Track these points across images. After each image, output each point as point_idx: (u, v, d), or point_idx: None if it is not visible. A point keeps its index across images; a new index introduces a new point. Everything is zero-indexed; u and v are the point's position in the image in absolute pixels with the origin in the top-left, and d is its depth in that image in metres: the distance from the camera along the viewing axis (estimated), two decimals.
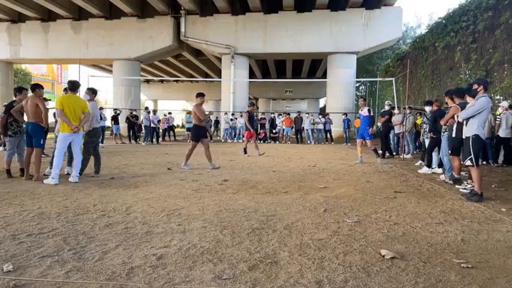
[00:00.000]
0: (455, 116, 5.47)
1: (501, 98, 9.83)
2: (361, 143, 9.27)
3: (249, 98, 23.82)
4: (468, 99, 5.29)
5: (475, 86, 5.01)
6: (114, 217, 3.63)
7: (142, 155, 10.58)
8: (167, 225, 3.36)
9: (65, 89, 6.34)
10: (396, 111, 11.59)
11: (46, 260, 2.48)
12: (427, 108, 8.02)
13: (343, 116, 17.54)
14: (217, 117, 25.01)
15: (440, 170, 7.37)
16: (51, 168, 5.89)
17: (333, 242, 2.95)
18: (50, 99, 11.15)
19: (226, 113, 19.59)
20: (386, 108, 10.76)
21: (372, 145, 9.12)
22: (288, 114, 19.98)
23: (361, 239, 3.06)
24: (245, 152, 10.65)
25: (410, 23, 42.93)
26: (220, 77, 22.55)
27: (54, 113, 10.80)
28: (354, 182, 6.05)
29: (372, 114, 9.07)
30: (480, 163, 5.13)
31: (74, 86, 5.91)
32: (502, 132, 8.64)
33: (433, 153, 7.63)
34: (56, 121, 10.27)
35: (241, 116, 19.40)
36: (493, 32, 9.80)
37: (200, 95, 7.54)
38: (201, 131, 7.66)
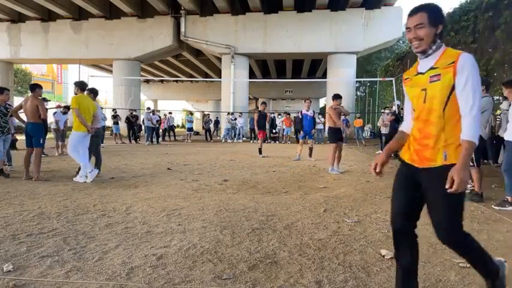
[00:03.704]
0: None
1: (500, 98, 9.83)
2: (304, 142, 9.54)
3: (249, 98, 23.83)
4: None
5: None
6: (114, 217, 3.63)
7: (142, 155, 10.58)
8: (167, 225, 3.36)
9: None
10: (387, 110, 11.59)
11: (46, 260, 2.48)
12: None
13: (342, 116, 17.52)
14: (217, 117, 25.01)
15: None
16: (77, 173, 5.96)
17: (333, 242, 2.95)
18: (49, 100, 11.15)
19: (228, 113, 19.56)
20: (394, 108, 10.76)
21: (311, 144, 9.66)
22: (288, 114, 19.98)
23: (361, 239, 3.06)
24: (260, 153, 10.43)
25: None
26: (220, 77, 22.55)
27: (54, 113, 10.86)
28: (354, 182, 6.04)
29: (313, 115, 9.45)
30: (481, 163, 5.12)
31: (84, 86, 5.99)
32: (502, 132, 8.64)
33: None
34: (56, 121, 10.37)
35: (240, 116, 19.41)
36: (493, 32, 9.80)
37: (337, 97, 7.58)
38: (337, 134, 7.50)
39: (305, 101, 9.26)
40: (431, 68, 1.76)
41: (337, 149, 7.40)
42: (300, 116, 9.27)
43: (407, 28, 1.78)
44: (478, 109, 1.65)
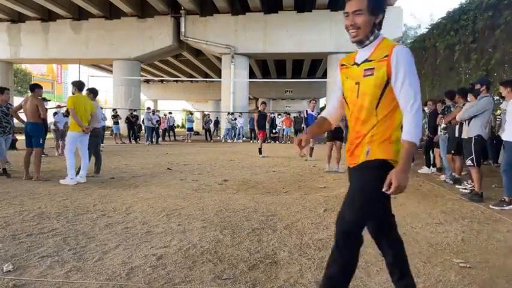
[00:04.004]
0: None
1: (500, 98, 9.82)
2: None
3: (249, 98, 23.81)
4: (470, 98, 5.29)
5: (478, 86, 5.01)
6: (114, 217, 3.63)
7: (142, 155, 10.58)
8: (167, 225, 3.36)
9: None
10: None
11: (46, 260, 2.48)
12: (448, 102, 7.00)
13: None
14: (217, 117, 25.00)
15: (426, 169, 7.44)
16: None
17: (333, 242, 2.95)
18: (49, 100, 11.15)
19: (228, 113, 19.57)
20: None
21: (313, 144, 9.77)
22: (288, 114, 19.97)
23: None
24: (260, 153, 10.42)
25: (409, 23, 42.95)
26: (220, 77, 22.53)
27: (54, 113, 10.86)
28: None
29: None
30: (481, 163, 5.13)
31: (81, 86, 5.95)
32: (502, 132, 8.63)
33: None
34: (55, 122, 10.36)
35: (240, 116, 19.41)
36: (493, 31, 9.79)
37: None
38: (332, 133, 7.50)
39: (310, 101, 9.15)
40: (366, 60, 1.63)
41: (336, 148, 7.41)
42: (305, 116, 9.24)
43: (345, 13, 1.65)
44: (419, 106, 1.53)
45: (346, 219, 1.60)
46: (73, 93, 5.93)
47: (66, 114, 10.51)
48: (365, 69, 1.62)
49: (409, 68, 1.54)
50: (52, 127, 10.32)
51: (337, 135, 7.58)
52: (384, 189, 1.50)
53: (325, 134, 8.21)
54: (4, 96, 6.25)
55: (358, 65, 1.67)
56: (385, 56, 1.56)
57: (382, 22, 1.64)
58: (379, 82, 1.57)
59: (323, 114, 1.94)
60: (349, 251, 1.63)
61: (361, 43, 1.64)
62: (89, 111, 5.88)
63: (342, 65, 1.78)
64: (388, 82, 1.56)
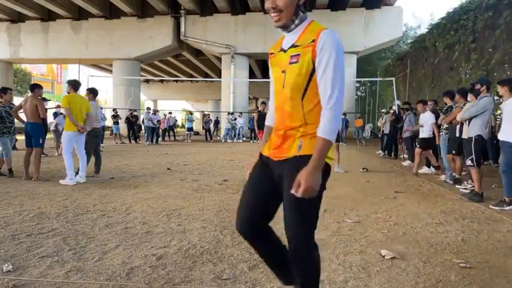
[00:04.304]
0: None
1: (499, 98, 9.82)
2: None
3: (249, 98, 23.81)
4: (470, 98, 5.29)
5: (478, 86, 5.01)
6: (114, 217, 3.63)
7: (142, 155, 10.58)
8: (167, 225, 3.35)
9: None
10: (391, 111, 11.57)
11: (46, 260, 2.48)
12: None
13: (342, 116, 17.54)
14: (217, 117, 25.00)
15: (426, 169, 7.45)
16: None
17: (333, 242, 2.95)
18: (49, 100, 11.14)
19: (229, 113, 19.56)
20: (394, 108, 10.75)
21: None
22: None
23: (361, 239, 3.06)
24: None
25: (409, 23, 42.91)
26: (220, 77, 22.54)
27: (54, 113, 10.86)
28: (354, 182, 6.04)
29: None
30: (481, 163, 5.13)
31: (76, 85, 5.92)
32: None
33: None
34: (57, 124, 10.35)
35: (240, 116, 19.40)
36: (493, 32, 9.79)
37: None
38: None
39: None
40: (293, 46, 1.46)
41: (333, 148, 7.41)
42: None
43: None
44: (338, 100, 1.39)
45: (296, 230, 1.47)
46: (68, 93, 5.91)
47: None
48: (291, 56, 1.46)
49: (335, 55, 1.38)
50: (52, 128, 10.32)
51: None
52: (292, 191, 1.34)
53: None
54: (7, 96, 6.25)
55: (285, 51, 1.50)
56: (312, 41, 1.40)
57: (306, 3, 1.49)
58: (304, 70, 1.41)
59: (267, 123, 1.75)
60: (308, 266, 1.53)
61: (286, 28, 1.48)
62: (84, 111, 5.81)
63: (271, 53, 1.61)
64: (314, 70, 1.41)
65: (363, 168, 7.55)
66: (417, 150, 7.30)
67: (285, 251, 1.58)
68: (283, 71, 1.48)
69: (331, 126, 1.38)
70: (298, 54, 1.42)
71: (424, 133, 7.10)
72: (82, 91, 7.01)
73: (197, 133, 25.85)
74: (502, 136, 4.48)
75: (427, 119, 7.10)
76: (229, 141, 19.07)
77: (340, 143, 15.03)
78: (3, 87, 6.55)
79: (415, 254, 2.72)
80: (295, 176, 1.37)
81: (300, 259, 1.51)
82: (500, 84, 4.61)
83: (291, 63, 1.44)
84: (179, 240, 2.95)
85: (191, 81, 40.27)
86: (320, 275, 1.59)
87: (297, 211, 1.44)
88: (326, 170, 1.46)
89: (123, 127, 17.79)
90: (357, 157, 10.72)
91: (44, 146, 6.42)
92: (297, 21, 1.47)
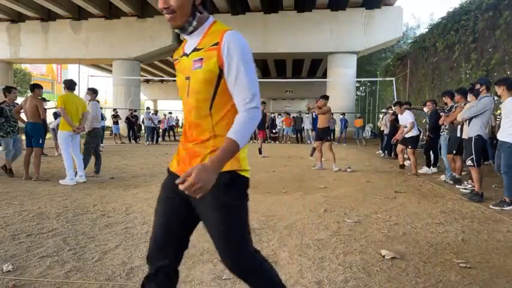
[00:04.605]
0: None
1: (499, 98, 9.82)
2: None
3: None
4: (470, 98, 5.29)
5: (478, 86, 5.01)
6: (114, 217, 3.63)
7: (142, 155, 10.58)
8: None
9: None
10: (390, 110, 11.56)
11: (46, 260, 2.48)
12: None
13: (341, 116, 17.54)
14: None
15: (426, 169, 7.46)
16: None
17: (333, 242, 2.95)
18: (49, 100, 11.14)
19: None
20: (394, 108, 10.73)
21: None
22: (288, 114, 19.97)
23: (361, 239, 3.06)
24: (260, 153, 10.36)
25: (409, 23, 42.91)
26: None
27: (54, 113, 10.85)
28: (354, 182, 6.04)
29: None
30: (481, 163, 5.13)
31: (71, 85, 5.90)
32: None
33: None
34: (58, 123, 10.33)
35: None
36: (494, 32, 9.79)
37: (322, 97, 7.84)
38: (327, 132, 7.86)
39: (317, 100, 8.45)
40: (195, 50, 1.33)
41: (327, 148, 7.65)
42: (314, 116, 9.19)
43: None
44: (255, 105, 1.25)
45: (228, 246, 1.33)
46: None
47: None
48: (194, 60, 1.31)
49: (244, 58, 1.27)
50: (51, 126, 10.32)
51: (325, 134, 7.78)
52: (177, 181, 1.15)
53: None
54: (12, 95, 6.25)
55: (187, 55, 1.36)
56: (215, 44, 1.28)
57: (206, 2, 1.35)
58: (209, 76, 1.28)
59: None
60: (257, 275, 1.37)
61: (183, 30, 1.33)
62: (80, 110, 5.78)
63: (175, 59, 1.45)
64: (221, 76, 1.28)
65: (348, 168, 7.60)
66: (409, 150, 7.44)
67: None
68: (188, 78, 1.34)
69: (245, 129, 1.23)
70: (202, 59, 1.29)
71: (412, 132, 7.38)
72: (82, 91, 7.02)
73: None
74: (501, 136, 4.48)
75: (406, 118, 7.43)
76: None
77: (335, 143, 15.03)
78: (7, 86, 6.56)
79: (415, 254, 2.72)
80: (213, 199, 1.25)
81: (247, 268, 1.36)
82: (498, 84, 4.61)
83: (194, 68, 1.30)
84: None
85: None
86: (274, 274, 1.41)
87: (225, 221, 1.29)
88: (243, 183, 1.32)
89: (123, 127, 17.79)
90: (357, 157, 10.72)
91: (44, 145, 6.42)
92: (194, 23, 1.32)
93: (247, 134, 1.23)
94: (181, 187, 1.13)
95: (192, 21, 1.32)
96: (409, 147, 7.46)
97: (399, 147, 7.73)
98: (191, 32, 1.34)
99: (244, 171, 1.33)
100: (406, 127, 7.39)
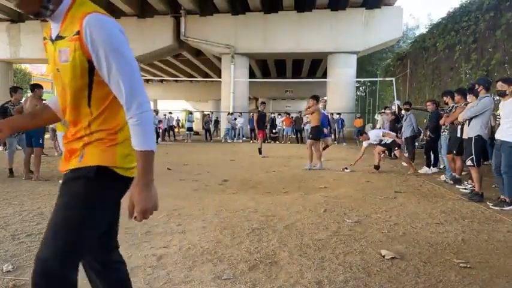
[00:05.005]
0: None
1: (499, 98, 9.81)
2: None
3: (249, 98, 23.81)
4: (470, 98, 5.29)
5: (477, 86, 5.01)
6: None
7: None
8: (167, 225, 3.35)
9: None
10: (387, 110, 11.57)
11: None
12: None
13: (337, 116, 17.55)
14: (217, 117, 25.00)
15: (426, 169, 7.47)
16: None
17: (333, 242, 2.95)
18: None
19: (229, 113, 19.58)
20: (394, 108, 10.76)
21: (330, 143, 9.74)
22: (288, 114, 19.97)
23: (361, 239, 3.06)
24: (260, 153, 10.35)
25: (409, 23, 42.87)
26: (220, 77, 22.53)
27: None
28: (354, 182, 6.04)
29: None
30: (481, 163, 5.13)
31: None
32: None
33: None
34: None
35: (240, 116, 19.41)
36: (494, 32, 9.79)
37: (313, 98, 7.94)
38: (319, 131, 8.03)
39: (319, 100, 8.38)
40: (59, 37, 1.16)
41: (315, 147, 7.77)
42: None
43: None
44: (142, 99, 1.13)
45: (43, 252, 1.18)
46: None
47: None
48: (59, 51, 1.15)
49: (113, 47, 1.09)
50: (51, 126, 10.32)
51: (315, 134, 7.86)
52: (129, 219, 1.13)
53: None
54: (17, 95, 6.27)
55: (53, 41, 1.19)
56: (77, 33, 1.10)
57: None
58: (79, 71, 1.13)
59: (48, 102, 1.44)
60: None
61: (41, 15, 1.15)
62: None
63: (44, 37, 1.27)
64: (93, 67, 1.13)
65: (345, 168, 7.67)
66: (397, 151, 7.66)
67: None
68: (58, 70, 1.18)
69: (143, 135, 1.13)
70: (67, 50, 1.12)
71: (407, 132, 7.70)
72: None
73: (197, 133, 25.86)
74: (501, 136, 4.46)
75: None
76: (229, 141, 19.07)
77: (335, 143, 14.99)
78: (14, 86, 6.58)
79: (415, 254, 2.72)
80: (65, 190, 1.18)
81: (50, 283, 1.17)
82: (505, 82, 4.51)
83: (62, 61, 1.15)
84: (179, 240, 2.95)
85: (191, 81, 40.28)
86: None
87: (58, 221, 1.17)
88: (103, 182, 1.18)
89: None
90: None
91: (44, 145, 6.42)
92: (51, 6, 1.13)
93: (149, 133, 1.15)
94: (137, 220, 1.17)
95: (47, 4, 1.13)
96: (396, 148, 7.60)
97: (378, 148, 7.74)
98: (51, 16, 1.16)
99: (121, 169, 1.20)
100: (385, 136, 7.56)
